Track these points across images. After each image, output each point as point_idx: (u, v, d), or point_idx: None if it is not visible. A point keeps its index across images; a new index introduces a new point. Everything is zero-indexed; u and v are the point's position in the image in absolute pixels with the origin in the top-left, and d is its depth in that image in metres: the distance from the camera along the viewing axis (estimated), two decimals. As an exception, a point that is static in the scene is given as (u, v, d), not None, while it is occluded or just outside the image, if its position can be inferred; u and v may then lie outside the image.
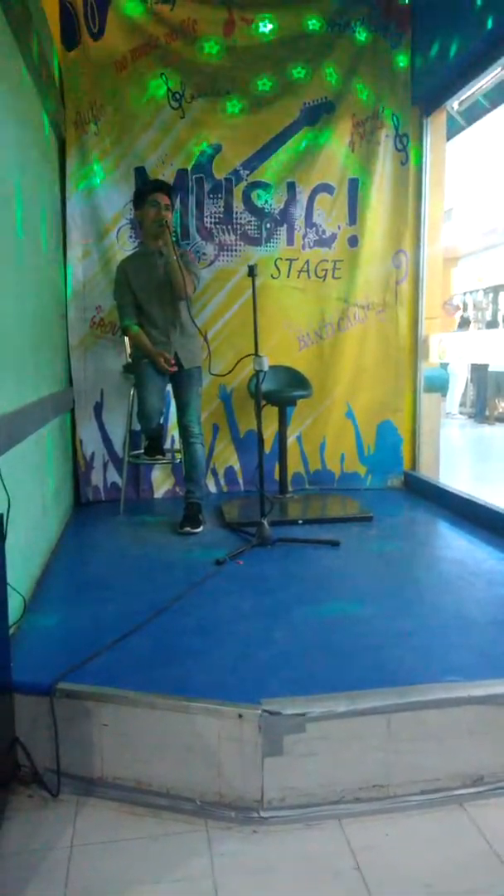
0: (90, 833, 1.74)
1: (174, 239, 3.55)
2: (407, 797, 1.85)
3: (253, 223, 4.29)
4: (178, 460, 4.07)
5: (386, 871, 1.61)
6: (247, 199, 4.27)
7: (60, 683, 1.93)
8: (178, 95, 4.12)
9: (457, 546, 3.46)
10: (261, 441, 3.39)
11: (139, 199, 3.62)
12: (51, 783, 1.87)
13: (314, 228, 4.36)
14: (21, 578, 2.46)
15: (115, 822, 1.79)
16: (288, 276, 4.35)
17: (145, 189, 3.64)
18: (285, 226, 4.33)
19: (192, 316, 3.56)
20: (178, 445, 4.04)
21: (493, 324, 11.39)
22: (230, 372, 3.60)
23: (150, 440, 3.95)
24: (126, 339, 3.99)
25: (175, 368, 3.59)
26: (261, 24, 4.14)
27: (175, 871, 1.62)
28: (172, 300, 3.58)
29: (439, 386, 4.77)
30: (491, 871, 1.60)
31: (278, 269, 4.33)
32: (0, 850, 1.67)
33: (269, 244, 4.32)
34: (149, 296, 3.61)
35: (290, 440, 4.36)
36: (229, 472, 4.47)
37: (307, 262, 4.37)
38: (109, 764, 1.89)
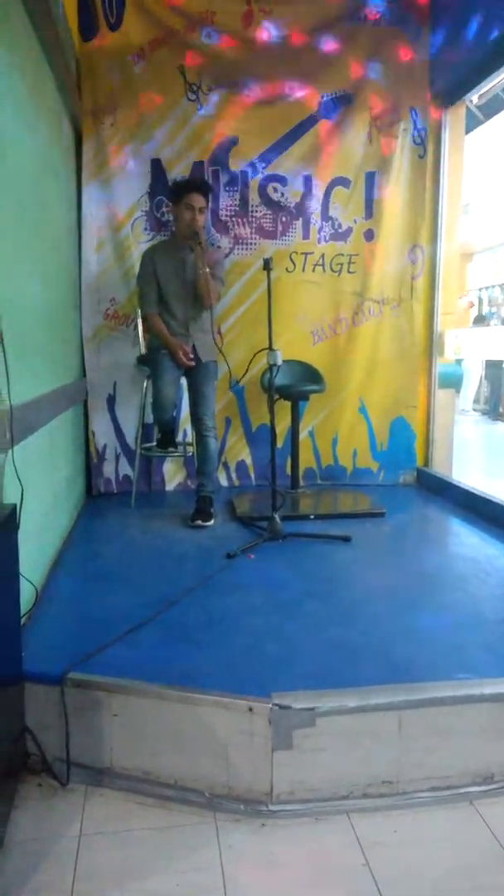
0: (99, 823, 1.75)
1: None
2: (416, 794, 1.84)
3: (269, 216, 4.27)
4: (191, 453, 4.07)
5: (395, 868, 1.60)
6: (263, 192, 4.25)
7: (71, 673, 1.93)
8: (195, 87, 4.10)
9: (469, 543, 3.44)
10: (273, 435, 3.38)
11: (175, 196, 3.59)
12: (60, 773, 1.87)
13: (330, 222, 4.34)
14: (33, 568, 2.47)
15: (124, 812, 1.79)
16: (303, 270, 4.33)
17: (182, 187, 3.59)
18: (301, 219, 4.30)
19: (213, 320, 3.58)
20: (190, 438, 4.04)
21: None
22: (246, 373, 3.59)
23: (162, 433, 3.95)
24: (141, 329, 3.99)
25: (193, 362, 3.59)
26: (279, 16, 4.11)
27: (183, 863, 1.62)
28: (195, 296, 3.59)
29: (453, 382, 4.73)
30: (500, 869, 1.60)
31: (293, 262, 4.31)
32: (9, 839, 1.67)
33: (284, 237, 4.30)
34: (173, 288, 3.61)
35: (303, 435, 4.35)
36: (241, 465, 4.47)
37: (322, 255, 4.34)
38: (119, 754, 1.90)
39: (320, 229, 4.33)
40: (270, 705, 1.79)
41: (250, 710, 1.80)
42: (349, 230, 4.36)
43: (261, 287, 3.88)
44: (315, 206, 4.30)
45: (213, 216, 4.21)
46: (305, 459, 4.38)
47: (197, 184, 3.67)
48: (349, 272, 4.38)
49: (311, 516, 3.75)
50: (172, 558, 3.13)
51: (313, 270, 4.35)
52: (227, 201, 4.22)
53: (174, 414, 3.87)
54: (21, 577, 1.96)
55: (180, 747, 1.86)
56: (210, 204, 3.72)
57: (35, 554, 2.57)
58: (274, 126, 4.19)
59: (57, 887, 1.54)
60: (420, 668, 2.03)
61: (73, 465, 3.73)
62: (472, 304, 11.96)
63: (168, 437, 3.97)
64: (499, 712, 1.90)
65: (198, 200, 3.52)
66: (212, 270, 3.51)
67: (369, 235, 4.37)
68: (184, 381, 3.80)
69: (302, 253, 4.32)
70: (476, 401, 10.67)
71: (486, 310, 12.29)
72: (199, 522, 3.54)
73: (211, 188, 3.80)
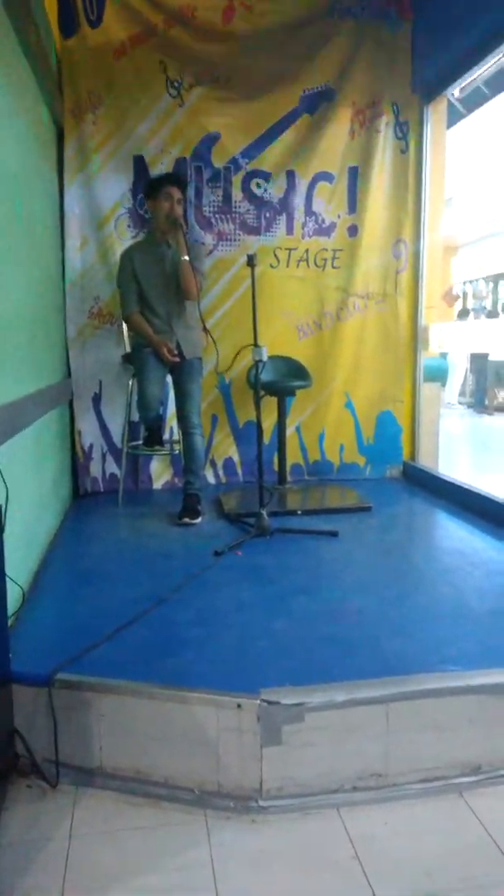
0: (89, 823, 1.74)
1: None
2: (405, 786, 1.85)
3: (252, 212, 4.26)
4: (177, 451, 4.06)
5: (384, 860, 1.61)
6: (246, 188, 4.24)
7: (59, 674, 1.93)
8: (176, 83, 4.08)
9: (455, 536, 3.46)
10: (260, 432, 3.38)
11: (152, 191, 3.59)
12: (49, 774, 1.87)
13: (314, 217, 4.33)
14: (19, 569, 2.46)
15: (114, 812, 1.79)
16: (287, 266, 4.33)
17: (159, 181, 3.60)
18: (284, 215, 4.30)
19: (201, 314, 3.56)
20: (176, 436, 4.03)
21: (493, 313, 11.35)
22: (230, 367, 3.59)
23: (149, 431, 3.94)
24: (125, 328, 3.97)
25: (177, 359, 3.58)
26: (260, 11, 4.09)
27: (174, 861, 1.62)
28: (177, 291, 3.57)
29: (439, 376, 4.76)
30: (489, 860, 1.61)
31: (277, 258, 4.31)
32: (-1, 840, 1.67)
33: (268, 233, 4.30)
34: (153, 285, 3.60)
35: (290, 431, 4.35)
36: (228, 462, 4.46)
37: (307, 251, 4.34)
38: (108, 754, 1.90)
39: (304, 224, 4.32)
40: (259, 701, 1.79)
41: (239, 706, 1.80)
42: (333, 225, 4.35)
43: (245, 283, 3.86)
44: (298, 201, 4.30)
45: (196, 212, 4.20)
46: (292, 455, 4.39)
47: (172, 177, 3.67)
48: (333, 267, 4.38)
49: (299, 512, 3.76)
50: (160, 556, 3.12)
51: (297, 266, 4.34)
52: (210, 198, 4.21)
53: (160, 412, 3.86)
54: (7, 577, 1.95)
55: (170, 745, 1.86)
56: (186, 196, 3.71)
57: (21, 555, 2.56)
58: (256, 121, 4.18)
59: (47, 888, 1.54)
60: (408, 661, 2.04)
61: (60, 465, 3.72)
62: (457, 297, 12.00)
63: (154, 436, 3.96)
64: (486, 703, 1.91)
65: (174, 192, 3.52)
66: (193, 264, 3.50)
67: (353, 230, 4.37)
68: (169, 378, 3.79)
69: (286, 248, 4.32)
70: (462, 394, 10.72)
71: (470, 303, 12.33)
72: (187, 520, 3.54)
73: (186, 181, 3.77)
